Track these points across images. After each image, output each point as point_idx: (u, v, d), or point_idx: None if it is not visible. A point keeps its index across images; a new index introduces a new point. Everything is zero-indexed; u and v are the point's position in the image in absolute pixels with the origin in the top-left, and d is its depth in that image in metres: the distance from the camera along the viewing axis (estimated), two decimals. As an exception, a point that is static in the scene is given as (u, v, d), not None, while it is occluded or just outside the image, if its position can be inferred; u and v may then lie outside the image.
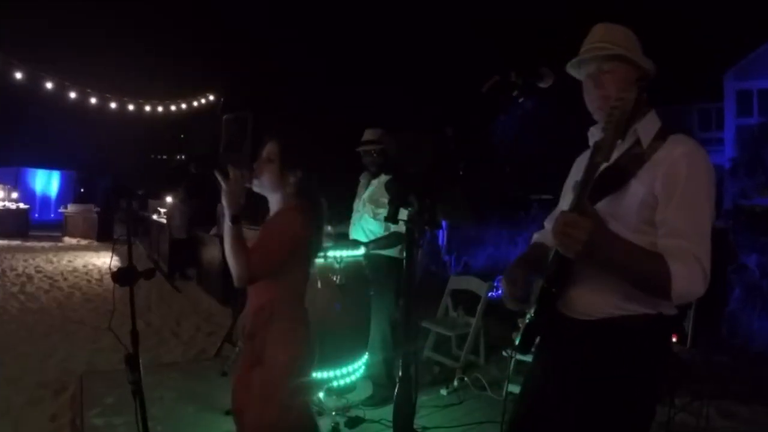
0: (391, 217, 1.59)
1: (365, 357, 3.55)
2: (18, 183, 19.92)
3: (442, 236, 9.74)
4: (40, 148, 22.39)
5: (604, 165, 1.45)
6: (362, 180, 3.88)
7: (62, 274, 9.15)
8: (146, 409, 2.14)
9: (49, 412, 3.56)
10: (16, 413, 3.52)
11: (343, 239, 3.65)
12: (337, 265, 3.31)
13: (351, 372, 3.39)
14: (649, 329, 1.49)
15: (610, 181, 1.49)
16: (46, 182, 23.55)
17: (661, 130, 1.53)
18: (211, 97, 15.73)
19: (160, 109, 14.78)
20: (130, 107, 14.07)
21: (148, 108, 14.51)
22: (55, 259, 10.90)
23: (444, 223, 8.73)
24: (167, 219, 9.68)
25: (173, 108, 15.08)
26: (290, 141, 2.08)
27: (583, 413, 1.51)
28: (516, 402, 1.77)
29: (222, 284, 6.58)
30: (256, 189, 2.04)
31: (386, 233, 3.50)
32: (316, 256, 2.19)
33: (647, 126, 1.54)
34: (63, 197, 22.31)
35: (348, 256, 3.41)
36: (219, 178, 1.84)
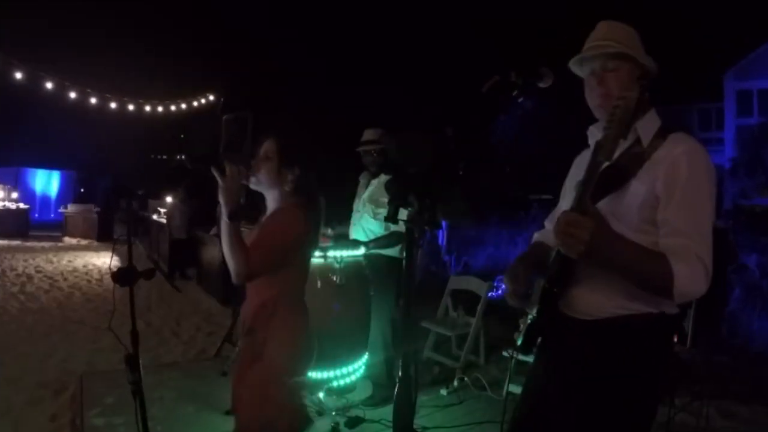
0: (391, 217, 1.59)
1: (365, 357, 3.55)
2: (18, 183, 19.92)
3: (442, 236, 9.74)
4: (40, 148, 22.39)
5: (589, 161, 1.45)
6: (362, 180, 3.88)
7: (62, 274, 9.15)
8: (146, 409, 2.14)
9: (49, 412, 3.56)
10: (16, 413, 3.52)
11: (343, 240, 3.65)
12: (337, 265, 3.31)
13: (351, 372, 3.39)
14: (652, 328, 1.50)
15: (610, 180, 1.49)
16: (46, 182, 23.54)
17: (661, 129, 1.53)
18: (211, 97, 15.72)
19: (160, 109, 14.78)
20: (130, 107, 14.06)
21: (148, 108, 14.50)
22: (55, 259, 10.90)
23: (444, 223, 8.74)
24: (167, 219, 9.68)
25: (173, 108, 15.08)
26: (288, 139, 2.08)
27: (585, 413, 1.51)
28: (518, 402, 1.77)
29: (222, 284, 6.59)
30: (253, 186, 2.04)
31: (386, 233, 3.50)
32: (313, 254, 2.19)
33: (647, 125, 1.54)
34: (63, 197, 22.31)
35: (348, 256, 3.41)
36: (215, 174, 1.84)
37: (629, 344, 1.49)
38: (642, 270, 1.40)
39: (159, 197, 11.85)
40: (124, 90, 14.15)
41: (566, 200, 1.77)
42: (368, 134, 3.74)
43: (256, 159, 2.02)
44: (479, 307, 4.38)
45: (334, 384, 3.34)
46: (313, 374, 3.22)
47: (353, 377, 3.42)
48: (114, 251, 2.36)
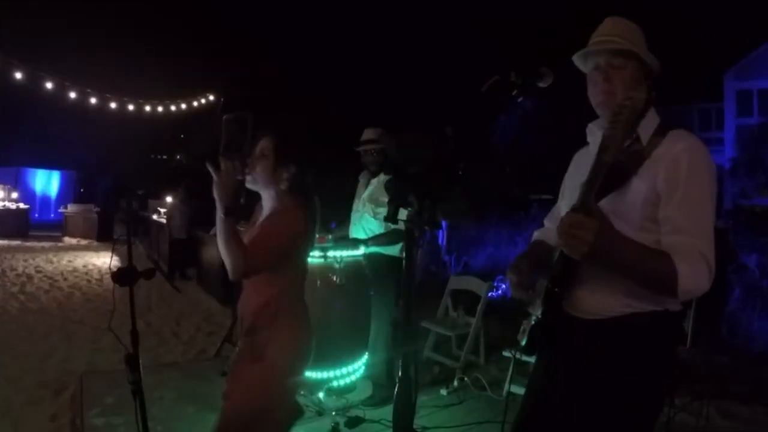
0: (391, 217, 1.59)
1: (365, 357, 3.55)
2: (18, 183, 19.91)
3: (442, 236, 9.74)
4: (40, 148, 22.41)
5: (594, 161, 1.44)
6: (362, 179, 3.88)
7: (62, 274, 9.15)
8: (146, 409, 2.14)
9: (49, 412, 3.56)
10: (16, 413, 3.52)
11: (343, 240, 3.65)
12: (337, 265, 3.31)
13: (351, 372, 3.39)
14: (656, 326, 1.50)
15: (611, 179, 1.48)
16: (46, 182, 23.54)
17: (660, 126, 1.53)
18: (211, 97, 15.74)
19: (160, 109, 14.79)
20: (130, 107, 14.07)
21: (148, 108, 14.52)
22: (55, 259, 10.90)
23: (444, 223, 8.74)
24: (167, 219, 9.68)
25: (173, 108, 15.09)
26: (284, 137, 2.08)
27: (590, 412, 1.51)
28: (521, 402, 1.77)
29: (222, 284, 6.59)
30: (248, 185, 2.04)
31: (386, 230, 3.49)
32: (310, 253, 2.19)
33: (647, 123, 1.53)
34: (63, 197, 22.31)
35: (348, 256, 3.41)
36: (210, 169, 1.83)
37: (635, 343, 1.49)
38: (645, 269, 1.40)
39: (159, 197, 11.85)
40: (124, 90, 14.17)
41: (565, 198, 1.77)
42: (368, 134, 3.74)
43: (252, 157, 2.02)
44: (479, 307, 4.38)
45: (334, 384, 3.34)
46: (313, 374, 3.22)
47: (353, 377, 3.42)
48: (114, 251, 2.35)
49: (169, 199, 10.41)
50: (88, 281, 8.55)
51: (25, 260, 10.54)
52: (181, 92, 15.56)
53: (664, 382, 1.60)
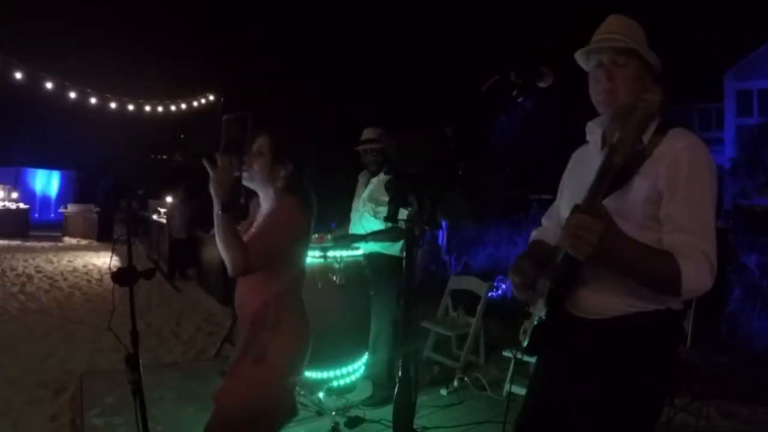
0: (391, 217, 1.59)
1: (365, 357, 3.55)
2: (18, 183, 19.92)
3: (442, 236, 9.75)
4: (40, 148, 22.41)
5: (603, 162, 1.44)
6: (361, 179, 3.89)
7: (62, 274, 9.15)
8: (146, 409, 2.14)
9: (49, 412, 3.56)
10: (16, 413, 3.52)
11: (343, 236, 3.64)
12: (337, 265, 3.31)
13: (351, 372, 3.39)
14: (659, 325, 1.50)
15: (613, 178, 1.49)
16: (46, 182, 23.54)
17: (661, 125, 1.53)
18: (211, 97, 15.73)
19: (160, 109, 14.78)
20: (130, 107, 14.07)
21: (148, 108, 14.51)
22: (55, 259, 10.90)
23: (444, 223, 8.73)
24: (167, 219, 9.69)
25: (173, 108, 15.08)
26: (282, 135, 2.08)
27: (591, 413, 1.51)
28: (522, 402, 1.77)
29: (222, 284, 6.59)
30: (245, 182, 2.04)
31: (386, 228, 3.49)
32: (309, 252, 2.19)
33: None
34: (63, 197, 22.31)
35: (348, 256, 3.41)
36: (206, 165, 1.83)
37: (638, 342, 1.49)
38: (646, 269, 1.41)
39: (159, 197, 11.85)
40: (124, 90, 14.16)
41: (564, 197, 1.77)
42: (367, 133, 3.74)
43: (249, 154, 2.02)
44: (479, 307, 4.38)
45: (334, 384, 3.34)
46: (313, 374, 3.22)
47: (353, 377, 3.42)
48: (114, 251, 2.35)
49: (169, 199, 10.41)
50: (88, 281, 8.55)
51: (25, 260, 10.54)
52: (181, 92, 15.57)
53: (666, 381, 1.60)
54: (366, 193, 3.72)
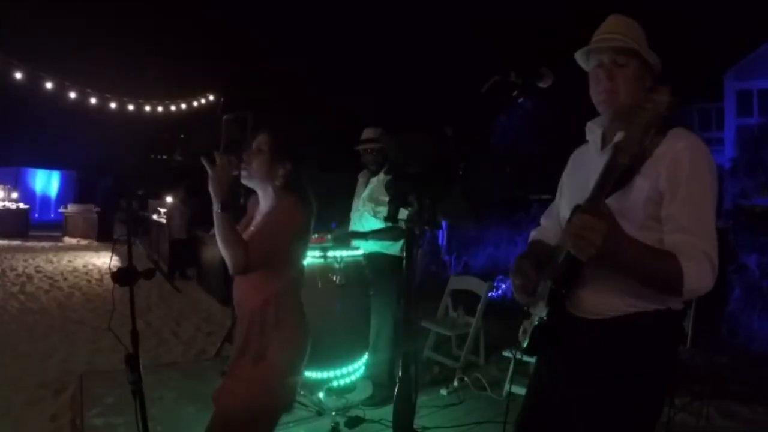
0: (391, 217, 1.59)
1: (365, 357, 3.55)
2: (18, 183, 19.91)
3: (442, 236, 9.75)
4: (40, 148, 22.40)
5: (604, 162, 1.44)
6: (361, 178, 3.89)
7: (62, 274, 9.15)
8: (146, 409, 2.14)
9: (49, 412, 3.56)
10: (16, 413, 3.52)
11: (343, 234, 3.64)
12: (337, 265, 3.31)
13: (351, 372, 3.39)
14: (660, 325, 1.50)
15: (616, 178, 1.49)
16: (46, 182, 23.54)
17: (661, 125, 1.53)
18: (211, 97, 15.72)
19: (160, 109, 14.78)
20: (130, 107, 14.07)
21: (148, 108, 14.51)
22: (55, 259, 10.90)
23: (444, 223, 8.74)
24: (167, 219, 9.69)
25: (173, 108, 15.08)
26: (281, 133, 2.08)
27: (591, 413, 1.51)
28: (522, 402, 1.77)
29: (222, 284, 6.59)
30: (244, 181, 2.04)
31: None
32: (308, 252, 2.19)
33: None
34: (63, 197, 22.30)
35: (348, 256, 3.41)
36: (205, 164, 1.83)
37: (639, 342, 1.49)
38: (651, 269, 1.41)
39: (159, 197, 11.84)
40: (124, 90, 14.16)
41: (564, 197, 1.77)
42: (367, 133, 3.74)
43: (248, 152, 2.02)
44: (479, 307, 4.38)
45: (334, 384, 3.34)
46: (313, 374, 3.22)
47: (353, 377, 3.42)
48: (114, 251, 2.35)
49: (169, 199, 10.40)
50: (88, 281, 8.55)
51: (25, 260, 10.54)
52: (181, 92, 15.56)
53: (666, 381, 1.60)
54: (366, 192, 3.72)
